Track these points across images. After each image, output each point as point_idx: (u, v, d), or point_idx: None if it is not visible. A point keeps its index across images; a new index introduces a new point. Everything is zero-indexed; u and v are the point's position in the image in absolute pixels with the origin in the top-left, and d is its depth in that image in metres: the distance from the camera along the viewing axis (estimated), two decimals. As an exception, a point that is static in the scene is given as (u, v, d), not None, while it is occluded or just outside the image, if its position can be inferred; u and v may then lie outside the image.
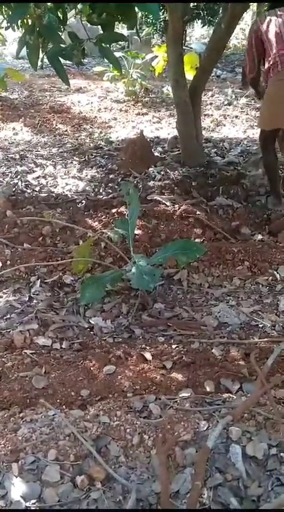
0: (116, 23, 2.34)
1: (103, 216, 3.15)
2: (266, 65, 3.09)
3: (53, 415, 1.70)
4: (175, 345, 2.20)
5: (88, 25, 2.49)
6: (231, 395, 1.84)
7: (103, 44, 1.90)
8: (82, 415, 1.72)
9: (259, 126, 3.35)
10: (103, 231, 2.61)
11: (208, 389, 1.92)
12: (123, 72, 6.60)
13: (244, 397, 1.82)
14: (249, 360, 2.05)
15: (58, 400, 1.86)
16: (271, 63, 3.03)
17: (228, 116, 6.04)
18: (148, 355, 2.10)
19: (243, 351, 2.17)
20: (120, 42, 9.62)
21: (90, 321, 2.41)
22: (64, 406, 1.82)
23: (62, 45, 1.92)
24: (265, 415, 1.63)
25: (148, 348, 2.18)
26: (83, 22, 1.97)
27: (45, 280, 2.63)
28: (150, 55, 6.39)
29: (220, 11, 4.35)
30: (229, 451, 1.50)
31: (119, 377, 1.97)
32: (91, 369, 2.03)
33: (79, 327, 2.37)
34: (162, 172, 3.86)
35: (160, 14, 8.44)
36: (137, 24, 2.15)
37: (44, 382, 1.93)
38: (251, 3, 3.82)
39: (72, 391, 1.91)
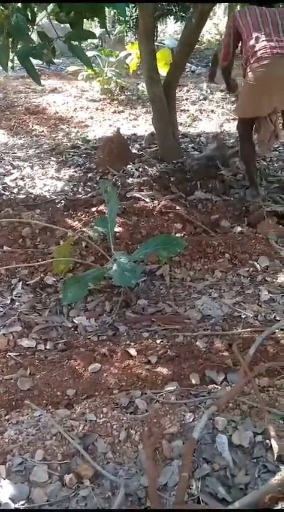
0: (88, 21, 2.34)
1: (83, 215, 3.14)
2: (245, 55, 3.10)
3: (39, 415, 1.70)
4: (160, 340, 2.21)
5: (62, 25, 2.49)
6: (216, 386, 1.85)
7: (73, 42, 1.90)
8: (68, 414, 1.72)
9: (238, 115, 3.35)
10: (84, 230, 2.60)
11: (193, 381, 1.93)
12: (97, 71, 6.59)
13: (228, 387, 1.83)
14: (233, 351, 2.07)
15: (44, 401, 1.85)
16: (250, 51, 3.03)
17: (204, 110, 6.07)
18: (133, 351, 2.11)
19: (227, 342, 2.19)
20: (93, 41, 9.60)
21: (74, 320, 2.41)
22: (50, 406, 1.82)
23: (31, 44, 1.91)
24: (250, 404, 1.65)
25: (132, 344, 2.18)
26: (53, 21, 1.96)
27: (27, 282, 2.62)
28: (124, 53, 6.40)
29: (191, 7, 4.37)
30: (215, 441, 1.51)
31: (105, 374, 1.98)
32: (77, 368, 2.02)
33: (63, 327, 2.36)
34: (140, 169, 3.86)
35: (132, 10, 8.44)
36: (106, 22, 2.14)
37: (29, 383, 1.92)
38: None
39: (57, 391, 1.91)
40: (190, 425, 1.59)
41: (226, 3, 11.85)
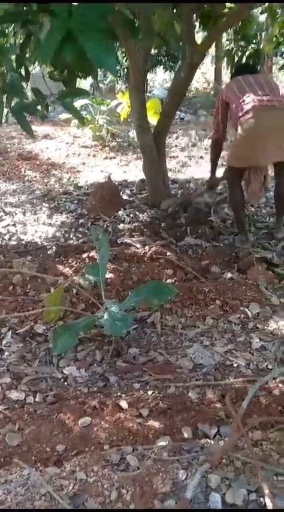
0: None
1: (74, 262, 3.15)
2: (233, 114, 3.25)
3: (28, 474, 1.65)
4: (151, 391, 2.18)
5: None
6: (209, 441, 1.82)
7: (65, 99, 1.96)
8: (58, 472, 1.67)
9: (230, 164, 3.41)
10: (74, 278, 2.60)
11: (185, 435, 1.89)
12: (89, 118, 6.77)
13: (221, 441, 1.80)
14: (225, 402, 2.04)
15: (33, 457, 1.80)
16: (238, 108, 3.17)
17: (193, 157, 6.22)
18: (124, 404, 2.07)
19: (219, 392, 2.16)
20: (86, 88, 9.90)
21: (64, 371, 2.37)
22: (39, 464, 1.76)
23: (25, 100, 1.97)
24: (243, 460, 1.62)
25: (123, 395, 2.15)
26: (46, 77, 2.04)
27: (17, 331, 2.60)
28: (115, 101, 6.59)
29: (180, 59, 4.55)
30: (208, 500, 1.48)
31: (95, 429, 1.93)
32: (66, 422, 1.98)
33: (52, 378, 2.32)
34: (131, 215, 3.91)
35: (123, 61, 8.75)
36: (98, 77, 2.22)
37: (17, 439, 1.87)
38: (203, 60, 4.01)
39: (47, 447, 1.86)
40: (183, 483, 1.55)
41: (214, 53, 12.38)
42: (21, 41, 2.14)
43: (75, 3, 1.88)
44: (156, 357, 2.50)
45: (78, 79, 2.34)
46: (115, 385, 2.28)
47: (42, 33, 1.74)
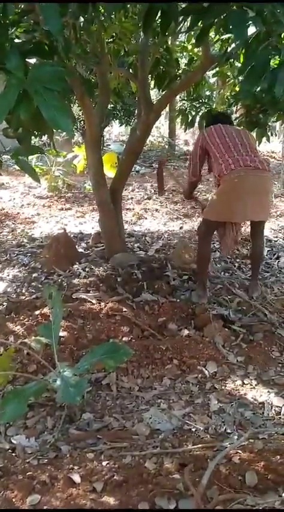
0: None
1: (26, 319, 3.02)
2: (217, 170, 3.30)
3: None
4: (106, 462, 2.05)
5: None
6: (167, 518, 1.70)
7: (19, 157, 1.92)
8: None
9: (207, 216, 3.45)
10: (25, 340, 2.48)
11: (142, 512, 1.77)
12: (45, 169, 6.77)
13: (181, 519, 1.69)
14: (183, 472, 1.94)
15: None
16: (223, 165, 3.23)
17: (148, 209, 6.29)
18: (76, 477, 1.93)
19: (177, 461, 2.06)
20: (42, 140, 9.96)
21: (12, 440, 2.21)
22: None
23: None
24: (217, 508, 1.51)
25: (76, 467, 2.01)
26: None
27: None
28: (71, 154, 6.64)
29: (136, 117, 4.66)
30: None
31: (45, 507, 1.78)
32: (13, 500, 1.82)
33: (-1, 449, 2.15)
34: (87, 269, 3.84)
35: (80, 114, 8.91)
36: (53, 137, 2.20)
37: None
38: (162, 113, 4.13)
39: (-10, 530, 1.69)
40: None
41: (167, 110, 12.87)
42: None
43: (33, 63, 1.89)
44: (111, 422, 2.38)
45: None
46: (67, 455, 2.13)
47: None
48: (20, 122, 1.83)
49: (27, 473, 1.97)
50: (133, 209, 6.28)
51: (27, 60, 1.88)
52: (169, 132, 12.59)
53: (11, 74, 1.71)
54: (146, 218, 5.95)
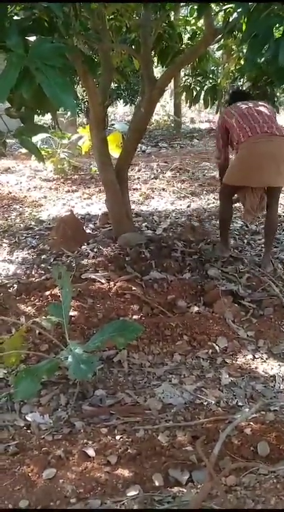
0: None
1: (37, 300, 3.05)
2: (236, 137, 3.39)
3: (-13, 538, 1.52)
4: (119, 436, 2.09)
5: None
6: (181, 489, 1.73)
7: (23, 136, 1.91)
8: (20, 533, 1.55)
9: (225, 181, 3.57)
10: (36, 319, 2.50)
11: (156, 483, 1.81)
12: (50, 152, 6.74)
13: (194, 488, 1.72)
14: (196, 444, 1.97)
15: (-7, 517, 1.67)
16: (241, 133, 3.33)
17: (155, 189, 6.25)
18: (91, 452, 1.97)
19: (190, 434, 2.10)
20: (46, 122, 9.91)
21: (27, 417, 2.25)
22: (0, 525, 1.63)
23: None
24: (218, 509, 1.54)
25: (90, 442, 2.05)
26: (2, 115, 1.98)
27: (-25, 377, 2.46)
28: (76, 135, 6.59)
29: (139, 95, 4.61)
30: None
31: (60, 481, 1.82)
32: (30, 474, 1.86)
33: (15, 426, 2.19)
34: (95, 250, 3.84)
35: (84, 95, 8.84)
36: (56, 116, 2.19)
37: (-24, 497, 1.73)
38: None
39: (9, 503, 1.74)
40: (156, 540, 1.45)
41: (173, 88, 12.70)
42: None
43: (33, 40, 1.86)
44: (124, 398, 2.41)
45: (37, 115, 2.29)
46: (81, 431, 2.17)
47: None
48: (23, 100, 1.82)
49: (43, 449, 2.01)
50: (140, 189, 6.24)
51: (26, 37, 1.86)
52: (174, 110, 12.43)
53: (11, 52, 1.69)
54: (153, 198, 5.91)
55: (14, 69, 1.62)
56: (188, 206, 5.41)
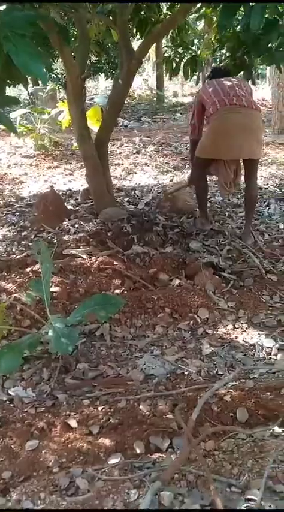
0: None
1: (17, 277, 3.03)
2: (207, 112, 3.43)
3: None
4: (102, 407, 2.12)
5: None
6: (161, 455, 1.77)
7: (-4, 108, 1.87)
8: (3, 502, 1.57)
9: (197, 154, 3.57)
10: (16, 294, 2.50)
11: (138, 450, 1.84)
12: (30, 128, 6.63)
13: (173, 455, 1.76)
14: (175, 411, 2.01)
15: (-23, 488, 1.69)
16: (210, 108, 3.36)
17: (138, 164, 6.21)
18: (73, 423, 2.00)
19: (171, 403, 2.12)
20: (25, 98, 9.72)
21: (9, 392, 2.26)
22: (-16, 494, 1.66)
23: None
24: (196, 473, 1.58)
25: (73, 414, 2.07)
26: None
27: None
28: (56, 110, 6.48)
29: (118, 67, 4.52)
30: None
31: (43, 451, 1.85)
32: (13, 446, 1.88)
33: (-3, 401, 2.21)
34: (77, 225, 3.83)
35: (62, 67, 8.63)
36: (28, 86, 2.14)
37: None
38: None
39: (-8, 475, 1.76)
40: (135, 503, 1.49)
41: (154, 59, 12.50)
42: None
43: (1, 9, 1.81)
44: (106, 370, 2.43)
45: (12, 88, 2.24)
46: (64, 403, 2.19)
47: None
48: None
49: (25, 422, 2.03)
50: (122, 164, 6.20)
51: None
52: (157, 83, 12.28)
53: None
54: (136, 173, 5.89)
55: (-19, 38, 1.58)
56: (170, 180, 5.39)
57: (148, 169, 6.00)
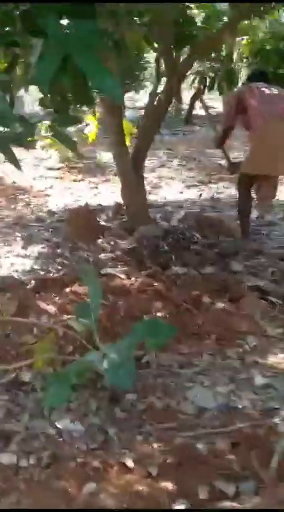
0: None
1: (57, 297, 2.93)
2: (254, 123, 3.37)
3: None
4: (156, 444, 1.99)
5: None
6: (233, 504, 1.64)
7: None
8: None
9: (244, 170, 3.50)
10: (65, 319, 2.39)
11: (201, 496, 1.71)
12: (55, 140, 6.56)
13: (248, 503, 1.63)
14: (237, 452, 1.89)
15: (34, 537, 1.57)
16: (261, 120, 3.29)
17: (163, 177, 6.13)
18: (129, 462, 1.87)
19: (229, 440, 2.00)
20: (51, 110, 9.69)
21: (57, 424, 2.14)
22: None
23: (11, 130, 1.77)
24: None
25: (127, 452, 1.95)
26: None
27: (0, 381, 2.35)
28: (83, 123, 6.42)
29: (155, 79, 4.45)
30: None
31: (102, 496, 1.72)
32: (69, 490, 1.75)
33: (45, 434, 2.08)
34: (112, 242, 3.73)
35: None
36: (95, 108, 2.05)
37: (15, 515, 1.63)
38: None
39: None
40: None
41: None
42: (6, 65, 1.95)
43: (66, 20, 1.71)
44: (155, 402, 2.30)
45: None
46: (115, 438, 2.06)
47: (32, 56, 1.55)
48: (61, 91, 1.68)
49: (78, 460, 1.90)
50: (146, 178, 6.10)
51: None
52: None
53: (49, 36, 1.55)
54: (161, 187, 5.80)
55: (54, 55, 1.48)
56: (200, 195, 5.29)
57: (174, 184, 5.91)
